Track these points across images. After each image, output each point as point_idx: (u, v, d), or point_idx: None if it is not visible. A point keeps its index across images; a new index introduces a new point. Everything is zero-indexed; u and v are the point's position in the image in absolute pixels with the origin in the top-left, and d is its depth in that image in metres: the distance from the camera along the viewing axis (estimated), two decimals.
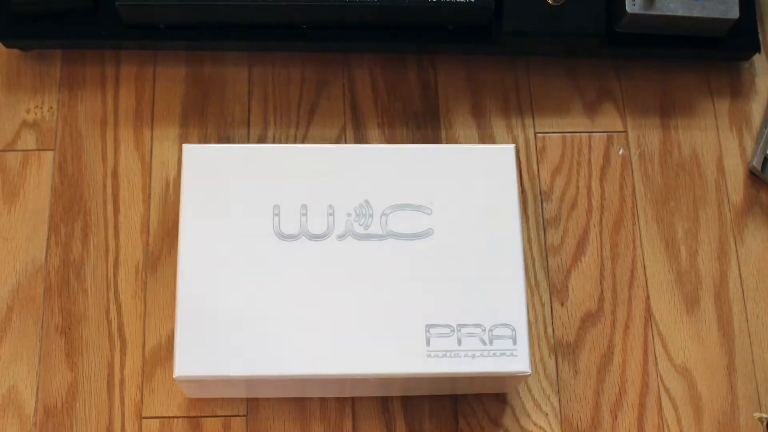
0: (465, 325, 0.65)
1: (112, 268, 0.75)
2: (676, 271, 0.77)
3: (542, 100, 0.82)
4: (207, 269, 0.67)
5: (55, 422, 0.71)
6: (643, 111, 0.82)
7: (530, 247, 0.77)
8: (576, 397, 0.73)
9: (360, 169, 0.69)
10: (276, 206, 0.68)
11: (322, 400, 0.72)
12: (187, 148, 0.69)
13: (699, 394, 0.74)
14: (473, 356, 0.65)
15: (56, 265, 0.75)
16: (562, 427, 0.73)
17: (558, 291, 0.76)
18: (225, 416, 0.72)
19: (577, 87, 0.83)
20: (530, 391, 0.73)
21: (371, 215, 0.68)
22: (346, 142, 0.80)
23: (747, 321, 0.76)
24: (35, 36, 0.78)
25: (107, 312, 0.74)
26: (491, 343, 0.65)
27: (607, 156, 0.80)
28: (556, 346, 0.75)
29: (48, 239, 0.76)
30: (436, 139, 0.80)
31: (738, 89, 0.83)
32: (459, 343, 0.65)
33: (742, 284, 0.77)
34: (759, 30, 0.82)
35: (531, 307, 0.75)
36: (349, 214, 0.68)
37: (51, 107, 0.80)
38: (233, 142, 0.79)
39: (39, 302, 0.74)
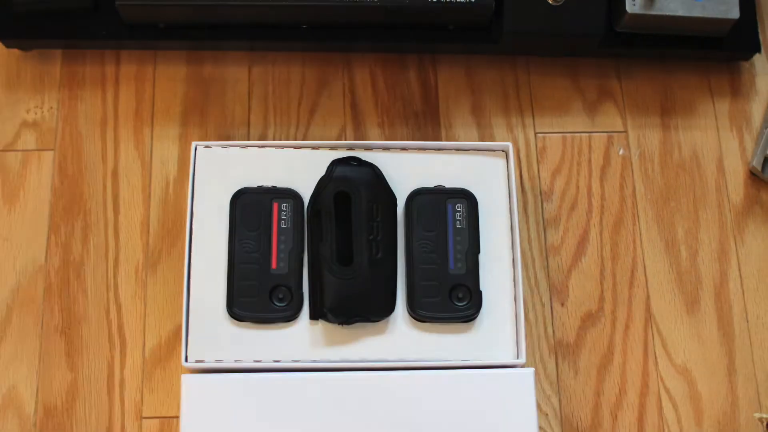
0: None
1: (112, 268, 0.75)
2: (677, 271, 0.77)
3: (542, 100, 0.82)
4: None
5: (55, 422, 0.71)
6: (644, 111, 0.82)
7: (530, 247, 0.77)
8: (576, 398, 0.73)
9: None
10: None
11: None
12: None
13: (699, 395, 0.74)
14: None
15: (56, 265, 0.75)
16: (562, 428, 0.73)
17: (558, 291, 0.76)
18: None
19: (577, 87, 0.83)
20: None
21: None
22: (346, 141, 0.80)
23: (747, 321, 0.76)
24: (35, 36, 0.78)
25: (107, 312, 0.74)
26: None
27: (607, 156, 0.80)
28: (556, 346, 0.75)
29: (48, 239, 0.76)
30: (436, 139, 0.80)
31: (738, 89, 0.83)
32: None
33: (742, 284, 0.77)
34: (759, 30, 0.82)
35: (531, 307, 0.75)
36: None
37: (51, 107, 0.80)
38: (234, 141, 0.79)
39: (39, 302, 0.74)
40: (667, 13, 0.76)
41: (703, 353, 0.75)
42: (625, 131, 0.81)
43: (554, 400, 0.73)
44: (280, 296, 0.67)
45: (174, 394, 0.72)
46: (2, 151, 0.78)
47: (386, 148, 0.72)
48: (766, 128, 0.81)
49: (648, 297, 0.76)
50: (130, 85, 0.81)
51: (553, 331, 0.75)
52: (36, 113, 0.80)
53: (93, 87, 0.81)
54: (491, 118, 0.81)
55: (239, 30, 0.78)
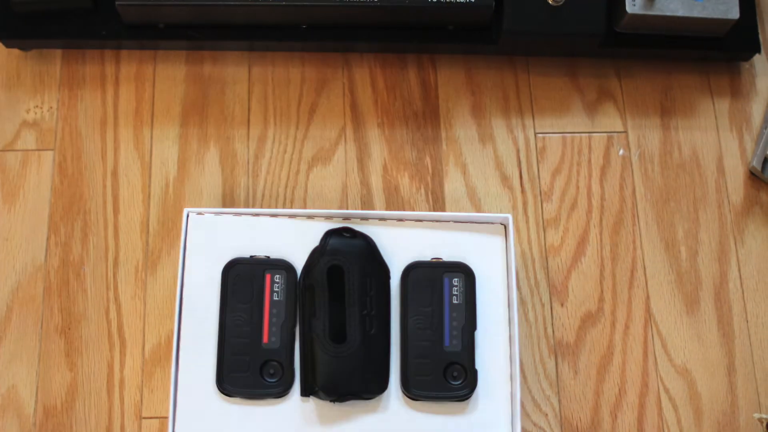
0: None
1: (111, 268, 0.75)
2: (676, 271, 0.77)
3: (542, 101, 0.82)
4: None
5: (55, 422, 0.71)
6: (644, 111, 0.82)
7: (530, 248, 0.77)
8: (576, 398, 0.73)
9: None
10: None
11: None
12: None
13: (699, 395, 0.74)
14: None
15: (56, 265, 0.75)
16: (562, 428, 0.73)
17: (558, 291, 0.76)
18: None
19: (577, 87, 0.83)
20: (530, 391, 0.73)
21: None
22: (346, 142, 0.80)
23: (747, 321, 0.76)
24: (35, 36, 0.78)
25: (107, 312, 0.74)
26: None
27: (607, 156, 0.80)
28: (555, 346, 0.75)
29: (48, 239, 0.76)
30: (436, 139, 0.80)
31: (738, 90, 0.83)
32: None
33: (742, 285, 0.77)
34: (759, 30, 0.82)
35: (531, 307, 0.75)
36: None
37: (51, 107, 0.80)
38: (234, 141, 0.79)
39: (39, 302, 0.74)
40: (667, 14, 0.76)
41: (703, 353, 0.75)
42: (625, 131, 0.81)
43: (554, 401, 0.73)
44: (271, 371, 0.66)
45: None
46: (2, 150, 0.78)
47: (382, 219, 0.70)
48: (765, 128, 0.81)
49: (648, 297, 0.76)
50: (130, 85, 0.81)
51: (553, 332, 0.75)
52: (36, 113, 0.80)
53: (93, 87, 0.81)
54: (491, 119, 0.81)
55: (239, 30, 0.78)
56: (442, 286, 0.68)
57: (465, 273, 0.68)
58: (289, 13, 0.76)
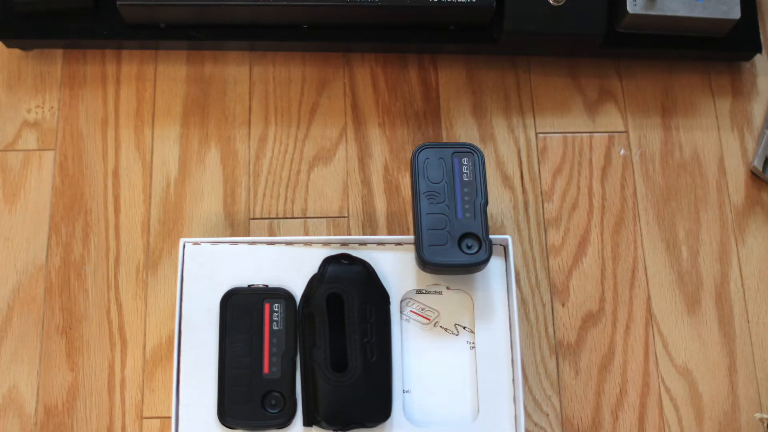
0: None
1: (112, 268, 0.75)
2: (677, 271, 0.77)
3: (543, 100, 0.82)
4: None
5: (56, 422, 0.71)
6: (645, 111, 0.82)
7: (531, 248, 0.77)
8: (577, 398, 0.73)
9: None
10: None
11: None
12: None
13: (700, 395, 0.74)
14: None
15: (57, 265, 0.75)
16: (563, 428, 0.73)
17: (559, 291, 0.76)
18: None
19: (578, 87, 0.83)
20: (531, 391, 0.73)
21: None
22: (347, 141, 0.80)
23: (748, 321, 0.76)
24: (36, 35, 0.78)
25: (108, 312, 0.74)
26: None
27: (608, 156, 0.80)
28: (556, 346, 0.75)
29: (49, 239, 0.76)
30: (437, 139, 0.80)
31: (739, 89, 0.83)
32: None
33: (743, 285, 0.77)
34: (760, 30, 0.82)
35: (532, 307, 0.75)
36: None
37: (52, 107, 0.80)
38: (235, 141, 0.79)
39: (40, 302, 0.74)
40: (668, 14, 0.76)
41: (704, 353, 0.75)
42: (626, 131, 0.81)
43: (555, 400, 0.73)
44: (273, 402, 0.66)
45: None
46: (3, 150, 0.78)
47: (381, 243, 0.69)
48: (767, 128, 0.81)
49: (649, 297, 0.76)
50: (131, 85, 0.81)
51: (554, 331, 0.75)
52: (37, 113, 0.80)
53: (94, 87, 0.81)
54: (492, 119, 0.81)
55: (240, 30, 0.78)
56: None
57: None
58: (290, 13, 0.76)
